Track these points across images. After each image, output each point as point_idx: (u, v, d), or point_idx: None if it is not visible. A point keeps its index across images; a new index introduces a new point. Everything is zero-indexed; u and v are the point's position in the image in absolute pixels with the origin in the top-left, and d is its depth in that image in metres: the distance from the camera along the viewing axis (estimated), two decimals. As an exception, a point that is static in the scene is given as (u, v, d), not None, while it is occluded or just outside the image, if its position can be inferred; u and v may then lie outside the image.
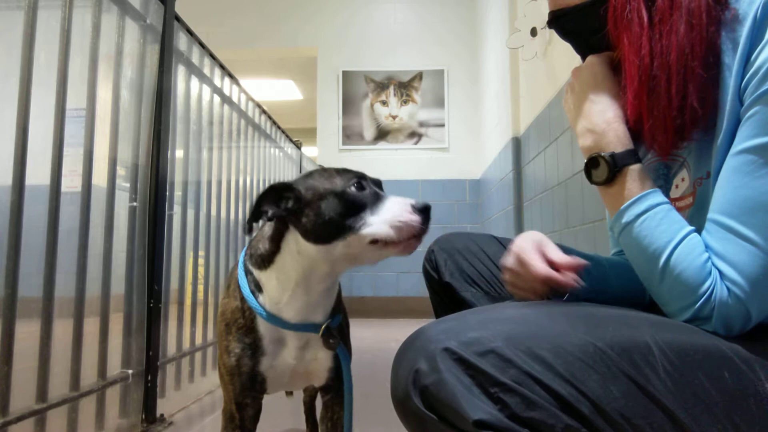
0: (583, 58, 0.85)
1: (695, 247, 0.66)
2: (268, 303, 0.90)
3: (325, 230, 0.84)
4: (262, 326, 0.90)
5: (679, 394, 0.56)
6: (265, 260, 0.90)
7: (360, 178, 0.86)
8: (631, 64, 0.73)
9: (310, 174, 0.90)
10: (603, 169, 0.74)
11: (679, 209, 0.78)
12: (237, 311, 0.92)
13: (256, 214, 0.85)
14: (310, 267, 0.87)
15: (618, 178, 0.73)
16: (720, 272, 0.64)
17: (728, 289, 0.63)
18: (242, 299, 0.91)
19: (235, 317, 0.92)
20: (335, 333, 0.92)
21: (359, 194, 0.85)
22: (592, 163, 0.76)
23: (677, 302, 0.67)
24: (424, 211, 0.84)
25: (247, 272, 0.92)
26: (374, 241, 0.83)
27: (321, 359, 0.94)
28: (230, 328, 0.92)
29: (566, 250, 0.89)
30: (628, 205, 0.72)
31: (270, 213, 0.85)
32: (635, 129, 0.76)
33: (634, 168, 0.73)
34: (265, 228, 0.94)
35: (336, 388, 1.00)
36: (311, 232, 0.85)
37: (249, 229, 0.86)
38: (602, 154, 0.74)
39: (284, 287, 0.89)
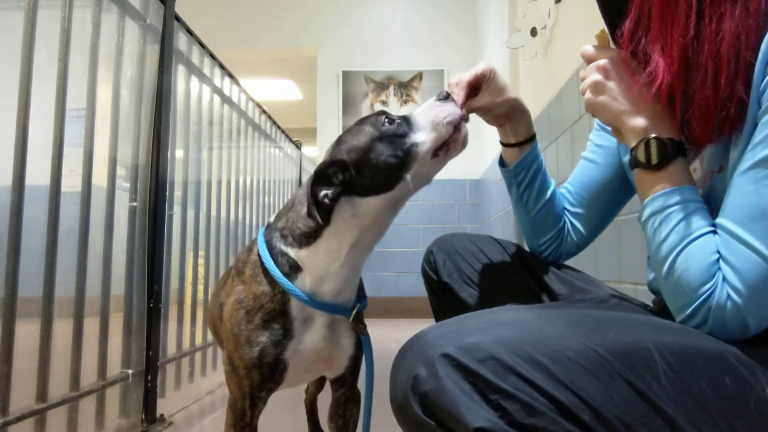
0: (608, 23, 0.81)
1: (706, 247, 0.65)
2: (309, 281, 0.86)
3: (389, 174, 0.84)
4: (295, 308, 0.86)
5: (680, 400, 0.56)
6: (310, 236, 0.86)
7: (383, 114, 0.87)
8: (675, 43, 0.69)
9: (337, 142, 0.88)
10: (656, 152, 0.71)
11: None
12: (263, 296, 0.86)
13: (316, 203, 0.81)
14: (370, 222, 0.86)
15: (668, 165, 0.71)
16: (724, 276, 0.63)
17: (728, 294, 0.62)
18: (272, 283, 0.86)
19: (260, 302, 0.86)
20: (363, 319, 0.92)
21: (394, 127, 0.86)
22: (645, 144, 0.72)
23: (677, 300, 0.67)
24: (447, 97, 0.88)
25: (279, 254, 0.87)
26: (435, 154, 0.86)
27: (345, 345, 0.91)
28: (252, 316, 0.86)
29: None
30: (661, 194, 0.70)
31: (330, 195, 0.82)
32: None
33: (682, 160, 0.71)
34: (296, 206, 0.89)
35: (351, 383, 0.97)
36: (373, 186, 0.84)
37: (318, 219, 0.82)
38: (661, 137, 0.71)
39: (335, 255, 0.86)
